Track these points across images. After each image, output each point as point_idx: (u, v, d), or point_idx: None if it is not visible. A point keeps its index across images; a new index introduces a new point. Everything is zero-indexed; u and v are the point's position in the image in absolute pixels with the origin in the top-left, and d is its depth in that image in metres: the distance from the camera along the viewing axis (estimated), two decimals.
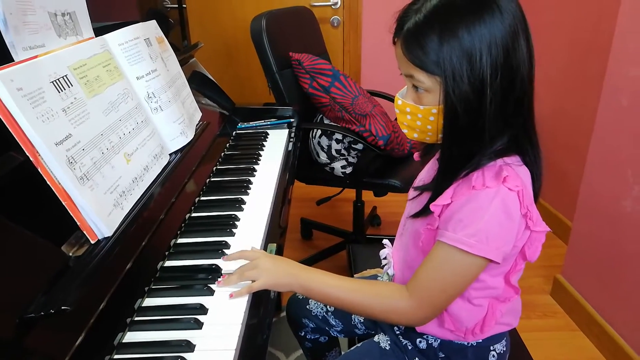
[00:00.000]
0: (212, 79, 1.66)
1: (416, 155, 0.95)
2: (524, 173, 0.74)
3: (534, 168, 0.75)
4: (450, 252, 0.72)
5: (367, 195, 2.02)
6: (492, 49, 0.67)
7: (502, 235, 0.71)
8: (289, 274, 0.81)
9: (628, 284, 1.49)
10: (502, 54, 0.68)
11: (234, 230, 0.95)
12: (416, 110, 0.76)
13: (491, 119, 0.69)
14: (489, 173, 0.71)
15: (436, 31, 0.68)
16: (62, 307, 0.60)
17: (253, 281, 0.78)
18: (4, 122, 0.64)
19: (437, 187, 0.76)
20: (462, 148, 0.72)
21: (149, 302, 0.76)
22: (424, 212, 0.77)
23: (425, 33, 0.69)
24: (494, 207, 0.69)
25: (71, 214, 0.71)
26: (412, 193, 0.86)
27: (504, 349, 0.88)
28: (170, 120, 1.09)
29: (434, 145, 0.87)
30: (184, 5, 1.63)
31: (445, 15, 0.69)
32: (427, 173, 0.87)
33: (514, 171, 0.72)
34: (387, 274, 0.93)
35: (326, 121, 1.85)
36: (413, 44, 0.71)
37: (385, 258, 0.95)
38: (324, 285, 0.81)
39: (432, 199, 0.76)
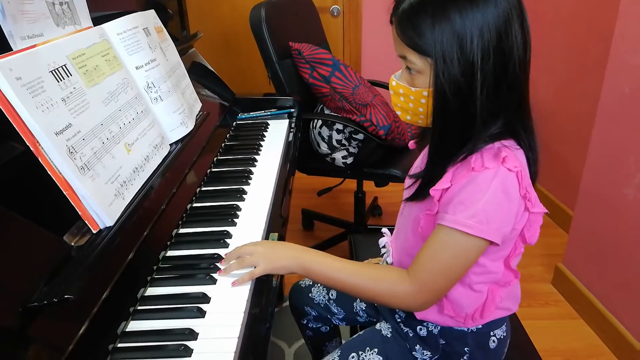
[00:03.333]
0: (212, 69, 1.65)
1: (411, 144, 0.94)
2: (521, 155, 0.74)
3: (529, 153, 0.75)
4: (450, 235, 0.72)
5: (368, 186, 2.02)
6: (484, 33, 0.67)
7: (501, 216, 0.71)
8: (288, 256, 0.81)
9: (629, 272, 1.50)
10: (495, 39, 0.68)
11: (235, 220, 0.95)
12: (408, 92, 0.76)
13: (483, 103, 0.69)
14: (488, 155, 0.71)
15: (429, 13, 0.69)
16: (65, 296, 0.60)
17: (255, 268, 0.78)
18: (4, 111, 0.64)
19: (428, 173, 0.76)
20: (453, 132, 0.72)
21: (151, 291, 0.76)
22: (420, 194, 0.77)
23: (419, 14, 0.70)
24: (494, 188, 0.69)
25: (72, 204, 0.71)
26: (408, 181, 0.86)
27: (504, 334, 0.88)
28: (170, 110, 1.08)
29: (428, 131, 0.87)
30: None
31: None
32: (422, 160, 0.87)
33: (512, 153, 0.72)
34: (387, 262, 0.93)
35: (327, 111, 1.85)
36: (406, 24, 0.71)
37: (384, 247, 0.95)
38: (325, 266, 0.81)
39: (424, 185, 0.76)
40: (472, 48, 0.67)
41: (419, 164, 0.88)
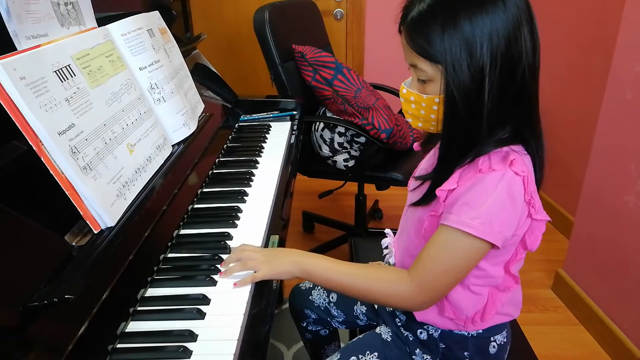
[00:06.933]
0: (215, 71, 1.65)
1: (416, 145, 0.95)
2: (528, 161, 0.74)
3: (536, 159, 0.75)
4: (453, 235, 0.72)
5: (369, 189, 2.03)
6: (494, 38, 0.67)
7: (504, 220, 0.71)
8: (289, 262, 0.81)
9: (629, 279, 1.49)
10: (504, 44, 0.68)
11: (236, 221, 0.95)
12: (420, 99, 0.76)
13: (489, 109, 0.70)
14: (496, 157, 0.71)
15: (439, 21, 0.69)
16: (66, 296, 0.60)
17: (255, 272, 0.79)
18: (7, 110, 0.64)
19: (436, 176, 0.76)
20: (461, 137, 0.73)
21: (151, 292, 0.76)
22: (427, 199, 0.78)
23: (429, 22, 0.70)
24: (499, 191, 0.69)
25: (74, 204, 0.71)
26: (413, 183, 0.86)
27: (505, 340, 0.88)
28: (173, 111, 1.09)
29: (435, 134, 0.87)
30: None
31: (449, 5, 0.69)
32: (428, 162, 0.87)
33: (520, 157, 0.72)
34: (389, 262, 0.94)
35: (329, 114, 1.85)
36: (416, 33, 0.71)
37: (386, 247, 0.95)
38: (325, 269, 0.81)
39: (433, 188, 0.76)
40: (482, 54, 0.68)
41: (425, 165, 0.88)
